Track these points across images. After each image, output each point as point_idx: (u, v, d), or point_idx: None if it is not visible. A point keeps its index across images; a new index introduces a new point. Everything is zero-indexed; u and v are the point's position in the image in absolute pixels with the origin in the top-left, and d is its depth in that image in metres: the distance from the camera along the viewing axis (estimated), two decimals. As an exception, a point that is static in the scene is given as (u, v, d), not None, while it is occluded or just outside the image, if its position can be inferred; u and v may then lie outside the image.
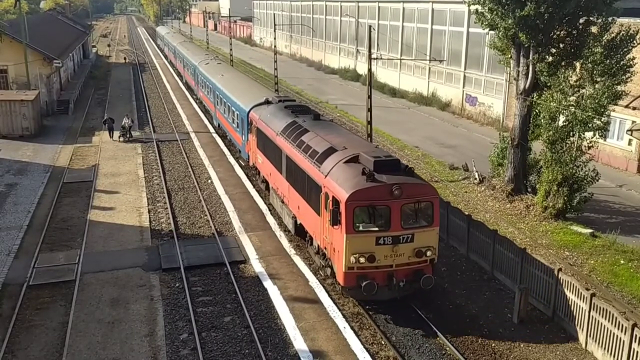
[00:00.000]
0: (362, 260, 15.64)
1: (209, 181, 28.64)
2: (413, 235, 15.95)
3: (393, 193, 15.56)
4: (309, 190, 18.53)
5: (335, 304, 17.03)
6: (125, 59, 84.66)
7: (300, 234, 21.03)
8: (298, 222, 20.55)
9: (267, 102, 26.60)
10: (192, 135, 38.09)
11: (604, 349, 14.65)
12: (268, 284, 18.30)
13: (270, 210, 24.44)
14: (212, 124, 40.52)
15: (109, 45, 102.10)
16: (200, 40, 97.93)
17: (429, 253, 16.21)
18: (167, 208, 24.95)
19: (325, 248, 17.28)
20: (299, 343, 15.15)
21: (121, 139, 35.83)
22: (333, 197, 16.14)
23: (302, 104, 27.42)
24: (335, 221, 15.72)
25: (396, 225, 15.74)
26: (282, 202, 22.24)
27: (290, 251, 20.61)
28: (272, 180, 23.68)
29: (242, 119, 28.72)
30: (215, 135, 37.95)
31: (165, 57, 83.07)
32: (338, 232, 15.93)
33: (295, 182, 20.13)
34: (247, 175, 29.21)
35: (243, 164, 30.52)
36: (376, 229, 15.79)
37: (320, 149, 18.33)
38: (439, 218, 16.71)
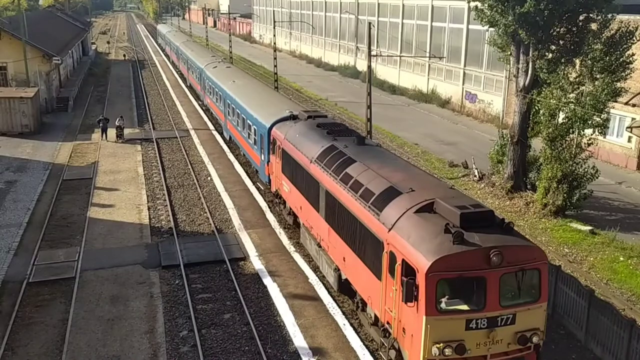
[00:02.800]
0: (447, 351, 11.63)
1: (209, 178, 28.63)
2: (515, 315, 11.92)
3: (490, 260, 11.51)
4: (361, 241, 14.67)
5: (335, 301, 17.04)
6: (124, 56, 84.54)
7: (346, 291, 16.93)
8: (343, 276, 16.45)
9: (293, 117, 22.92)
10: (192, 132, 38.07)
11: None
12: (268, 281, 18.31)
13: (269, 207, 24.45)
14: (222, 135, 36.30)
15: (108, 42, 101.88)
16: (200, 37, 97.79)
17: (534, 338, 12.13)
18: (166, 205, 24.95)
19: (389, 323, 13.27)
20: (298, 340, 15.17)
21: (119, 140, 35.21)
22: (405, 261, 12.28)
23: (337, 122, 23.39)
24: (409, 297, 11.82)
25: (493, 302, 11.71)
26: (319, 246, 18.26)
27: (290, 248, 20.62)
28: (304, 217, 19.56)
29: (262, 136, 24.76)
30: (214, 132, 37.92)
31: (167, 57, 79.02)
32: (413, 311, 11.96)
33: (339, 226, 16.14)
34: (246, 172, 29.19)
35: (262, 188, 26.31)
36: (467, 308, 11.82)
37: (377, 189, 14.53)
38: (547, 289, 12.73)
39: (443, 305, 11.69)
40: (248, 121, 27.67)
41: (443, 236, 11.87)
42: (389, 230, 13.08)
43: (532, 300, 12.13)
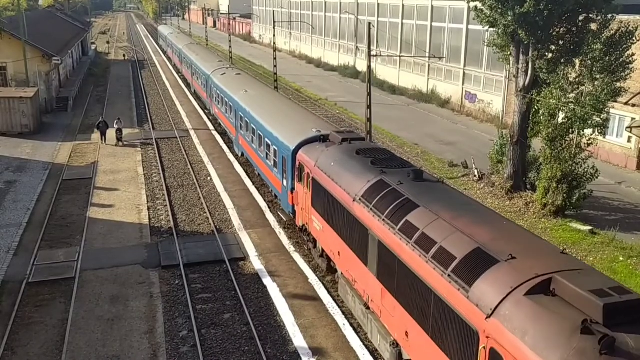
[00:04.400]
0: None
1: (209, 178, 28.63)
2: None
3: None
4: (437, 319, 11.19)
5: (335, 301, 17.04)
6: (124, 56, 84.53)
7: None
8: (405, 356, 13.13)
9: (323, 138, 19.64)
10: (192, 132, 38.06)
11: None
12: (267, 281, 18.31)
13: (269, 207, 24.43)
14: (232, 151, 32.87)
15: (108, 42, 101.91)
16: (200, 37, 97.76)
17: None
18: (166, 205, 24.94)
19: None
20: (298, 340, 15.17)
21: (120, 143, 34.69)
22: None
23: (379, 146, 20.36)
24: None
25: None
26: (367, 306, 14.90)
27: (290, 248, 20.61)
28: (344, 266, 16.21)
29: (284, 159, 21.41)
30: (214, 132, 37.91)
31: (169, 60, 75.27)
32: None
33: (399, 291, 12.79)
34: (246, 172, 29.18)
35: (284, 219, 22.76)
36: None
37: (458, 251, 11.01)
38: None
39: None
40: (266, 140, 23.93)
41: (580, 340, 8.16)
42: (488, 317, 9.58)
43: None
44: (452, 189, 15.91)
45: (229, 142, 34.80)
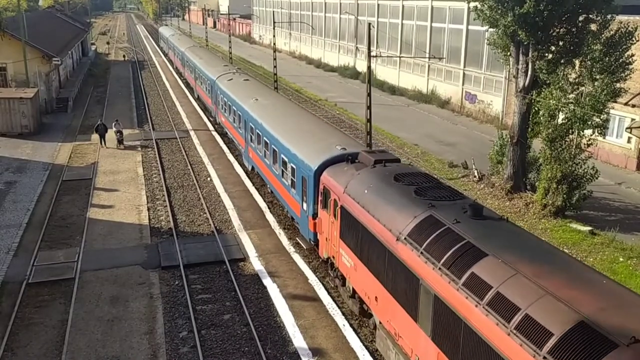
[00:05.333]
0: None
1: (209, 179, 28.62)
2: None
3: None
4: None
5: (335, 301, 17.03)
6: (124, 56, 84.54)
7: None
8: None
9: (351, 158, 17.21)
10: (192, 133, 38.06)
11: None
12: (267, 281, 18.31)
13: (269, 208, 24.42)
14: (241, 164, 30.24)
15: (108, 43, 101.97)
16: (200, 37, 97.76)
17: None
18: (166, 206, 24.94)
19: None
20: (298, 341, 15.16)
21: (121, 146, 34.33)
22: None
23: (420, 170, 17.35)
24: None
25: None
26: None
27: (290, 249, 20.61)
28: (384, 314, 13.74)
29: (304, 180, 18.99)
30: (214, 133, 37.90)
31: (171, 62, 72.18)
32: None
33: None
34: (246, 173, 29.18)
35: (304, 247, 20.37)
36: None
37: (554, 324, 8.59)
38: None
39: None
40: (282, 156, 21.55)
41: None
42: None
43: None
44: (520, 229, 12.71)
45: (229, 143, 34.77)
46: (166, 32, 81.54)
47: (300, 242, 20.64)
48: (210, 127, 39.46)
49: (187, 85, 55.50)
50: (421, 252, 11.73)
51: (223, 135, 36.68)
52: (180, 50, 58.61)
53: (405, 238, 12.39)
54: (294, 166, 20.10)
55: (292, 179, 20.49)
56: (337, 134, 22.72)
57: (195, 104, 47.50)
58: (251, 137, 26.88)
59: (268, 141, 23.63)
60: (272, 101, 28.78)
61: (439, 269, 11.08)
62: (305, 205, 19.24)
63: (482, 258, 10.54)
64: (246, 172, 25.82)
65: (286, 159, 21.05)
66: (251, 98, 28.93)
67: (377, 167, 15.97)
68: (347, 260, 15.82)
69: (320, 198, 17.63)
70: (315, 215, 18.34)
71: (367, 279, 14.44)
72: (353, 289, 15.92)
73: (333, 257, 17.09)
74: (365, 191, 14.79)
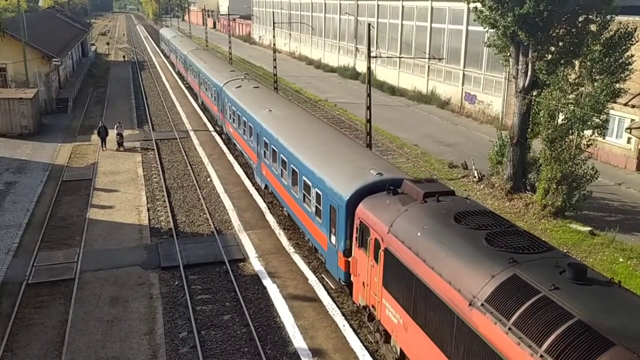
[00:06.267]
0: None
1: (208, 179, 28.62)
2: None
3: None
4: None
5: (335, 302, 17.03)
6: (124, 57, 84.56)
7: None
8: None
9: (393, 189, 14.54)
10: (191, 133, 38.06)
11: None
12: (267, 282, 18.30)
13: (269, 208, 24.42)
14: (253, 182, 27.46)
15: (108, 44, 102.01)
16: (200, 38, 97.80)
17: None
18: (166, 206, 24.94)
19: None
20: (298, 341, 15.16)
21: (121, 148, 34.01)
22: None
23: (484, 208, 13.55)
24: None
25: None
26: None
27: (290, 249, 20.60)
28: None
29: (334, 210, 16.40)
30: (214, 133, 37.90)
31: (173, 65, 69.50)
32: None
33: None
34: (246, 173, 29.16)
35: (332, 286, 17.74)
36: None
37: None
38: None
39: None
40: (304, 178, 18.89)
41: None
42: None
43: None
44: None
45: (228, 143, 34.77)
46: (167, 34, 78.96)
47: (326, 279, 18.16)
48: (210, 128, 39.45)
49: (190, 89, 53.25)
50: (509, 328, 9.13)
51: (222, 133, 36.63)
52: (183, 53, 56.17)
53: (482, 304, 9.83)
54: (319, 192, 17.50)
55: (316, 206, 17.89)
56: (367, 153, 20.53)
57: (195, 105, 47.49)
58: (265, 152, 24.27)
59: (286, 159, 20.99)
60: (288, 113, 26.04)
61: (541, 356, 8.39)
62: (333, 238, 16.70)
63: (608, 350, 7.81)
64: (258, 189, 24.89)
65: (309, 183, 18.42)
66: (264, 108, 26.29)
67: (429, 201, 13.36)
68: (392, 315, 13.22)
69: (355, 234, 15.11)
70: (347, 252, 15.86)
71: (424, 346, 11.72)
72: (401, 350, 13.19)
73: (373, 307, 14.46)
74: (419, 234, 12.18)
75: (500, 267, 10.20)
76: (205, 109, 43.42)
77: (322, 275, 18.34)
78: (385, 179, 15.69)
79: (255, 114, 26.36)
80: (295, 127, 23.18)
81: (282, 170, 21.64)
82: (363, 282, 14.92)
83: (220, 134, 37.24)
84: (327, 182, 17.07)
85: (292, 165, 20.27)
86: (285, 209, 22.43)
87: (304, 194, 19.09)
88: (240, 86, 32.61)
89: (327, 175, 17.33)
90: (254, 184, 26.53)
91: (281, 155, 21.62)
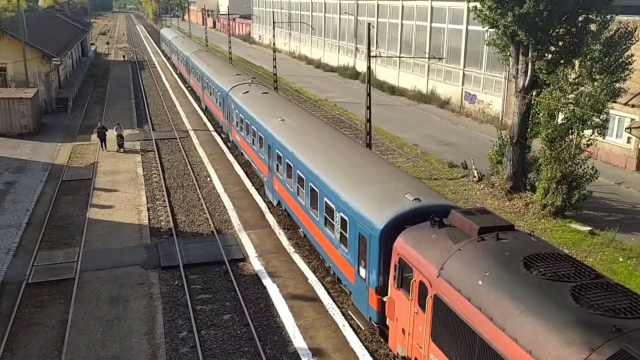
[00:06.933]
0: None
1: (208, 179, 28.62)
2: None
3: None
4: None
5: (335, 301, 17.03)
6: (124, 56, 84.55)
7: None
8: None
9: (439, 220, 12.43)
10: (191, 133, 38.05)
11: None
12: (267, 281, 18.30)
13: (269, 208, 24.41)
14: (265, 198, 25.26)
15: (107, 43, 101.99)
16: (200, 37, 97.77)
17: None
18: (166, 206, 24.93)
19: None
20: (298, 341, 15.16)
21: (122, 149, 33.72)
22: None
23: (557, 250, 11.14)
24: None
25: None
26: None
27: (290, 249, 20.60)
28: None
29: (365, 240, 14.29)
30: (214, 133, 37.89)
31: (174, 67, 67.56)
32: None
33: None
34: (246, 173, 29.15)
35: (362, 325, 15.51)
36: None
37: None
38: None
39: None
40: (326, 200, 16.83)
41: None
42: None
43: None
44: None
45: (227, 141, 34.74)
46: (169, 35, 76.65)
47: (352, 315, 15.90)
48: (210, 127, 39.44)
49: (193, 92, 51.44)
50: None
51: (222, 134, 36.63)
52: (185, 55, 53.95)
53: None
54: (345, 217, 15.49)
55: (341, 233, 15.87)
56: (398, 172, 17.69)
57: (195, 105, 47.48)
58: (277, 166, 22.38)
59: (303, 176, 19.01)
60: (303, 122, 23.86)
61: None
62: (363, 271, 14.63)
63: None
64: (268, 205, 23.90)
65: (332, 205, 16.42)
66: (276, 117, 24.27)
67: (487, 239, 11.16)
68: None
69: (393, 272, 12.94)
70: (380, 290, 13.79)
71: None
72: None
73: None
74: (480, 282, 10.18)
75: (602, 339, 8.01)
76: (209, 115, 41.27)
77: (349, 311, 16.19)
78: (424, 205, 13.73)
79: (266, 124, 24.42)
80: (313, 140, 21.02)
81: (298, 188, 19.75)
82: (403, 329, 12.66)
83: (226, 142, 37.19)
84: (354, 206, 15.09)
85: (310, 184, 18.23)
86: (301, 229, 20.67)
87: (325, 217, 17.07)
88: (247, 91, 30.84)
89: (355, 198, 15.33)
90: (265, 199, 24.88)
91: (297, 172, 19.63)
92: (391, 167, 18.68)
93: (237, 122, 30.52)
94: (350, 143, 21.47)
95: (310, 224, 18.95)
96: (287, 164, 20.88)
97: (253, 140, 26.57)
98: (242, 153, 30.66)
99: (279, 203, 23.20)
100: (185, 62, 54.69)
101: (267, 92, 30.97)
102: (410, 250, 12.25)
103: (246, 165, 29.96)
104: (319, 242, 18.29)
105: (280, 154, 21.77)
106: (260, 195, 25.87)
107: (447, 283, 10.82)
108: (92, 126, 39.28)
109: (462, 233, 11.70)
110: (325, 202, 16.92)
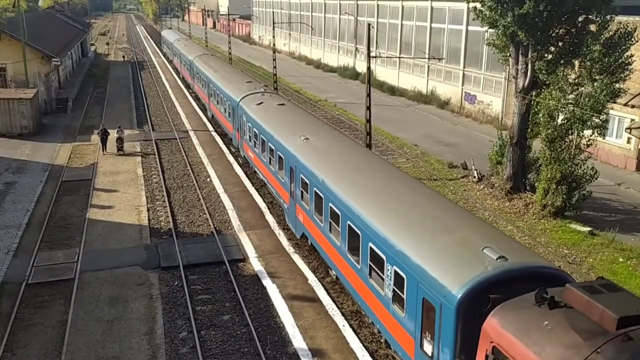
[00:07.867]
0: None
1: (208, 179, 28.62)
2: None
3: None
4: None
5: (334, 302, 17.03)
6: (124, 57, 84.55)
7: None
8: None
9: (549, 298, 8.98)
10: (191, 133, 38.06)
11: None
12: (267, 282, 18.30)
13: (269, 208, 24.41)
14: (284, 225, 22.45)
15: (107, 44, 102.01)
16: (199, 38, 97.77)
17: None
18: (166, 206, 24.93)
19: None
20: (298, 341, 15.16)
21: (120, 152, 33.33)
22: None
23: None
24: None
25: None
26: None
27: (289, 249, 20.60)
28: None
29: (434, 308, 11.09)
30: (214, 133, 37.89)
31: (177, 71, 64.57)
32: None
33: None
34: (245, 173, 29.14)
35: None
36: None
37: None
38: None
39: None
40: (373, 247, 13.70)
41: None
42: None
43: None
44: None
45: (228, 143, 34.71)
46: (170, 37, 72.95)
47: None
48: (210, 128, 39.45)
49: (197, 99, 48.59)
50: None
51: (223, 135, 36.62)
52: (189, 59, 50.37)
53: None
54: (402, 273, 12.35)
55: (394, 291, 12.78)
56: (467, 215, 14.10)
57: (195, 105, 47.48)
58: (302, 193, 19.33)
59: (338, 212, 15.85)
60: (332, 143, 20.46)
61: None
62: (429, 347, 11.43)
63: None
64: (223, 140, 22.65)
65: (381, 255, 13.30)
66: (298, 135, 21.19)
67: (635, 339, 7.84)
68: None
69: (477, 350, 9.76)
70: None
71: None
72: None
73: None
74: None
75: None
76: (232, 144, 34.00)
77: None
78: (514, 268, 10.55)
79: (287, 142, 21.31)
80: (349, 167, 17.72)
81: (331, 224, 16.63)
82: None
83: (221, 135, 37.20)
84: (415, 261, 11.93)
85: (349, 223, 15.09)
86: (333, 271, 17.59)
87: (370, 267, 13.99)
88: (261, 102, 27.55)
89: (416, 250, 12.17)
90: (285, 228, 22.09)
91: (330, 205, 16.46)
92: (456, 208, 14.94)
93: (249, 137, 27.22)
94: (397, 174, 17.48)
95: (349, 270, 15.59)
96: (316, 193, 17.74)
97: (270, 159, 23.50)
98: (255, 172, 27.61)
99: (303, 235, 20.27)
100: (189, 66, 51.26)
101: (283, 104, 27.56)
102: (512, 340, 8.79)
103: (247, 166, 29.96)
104: (360, 294, 15.07)
105: (307, 181, 18.60)
106: (260, 196, 25.88)
107: None
108: (92, 126, 39.34)
109: (589, 321, 8.36)
110: (371, 249, 13.77)
